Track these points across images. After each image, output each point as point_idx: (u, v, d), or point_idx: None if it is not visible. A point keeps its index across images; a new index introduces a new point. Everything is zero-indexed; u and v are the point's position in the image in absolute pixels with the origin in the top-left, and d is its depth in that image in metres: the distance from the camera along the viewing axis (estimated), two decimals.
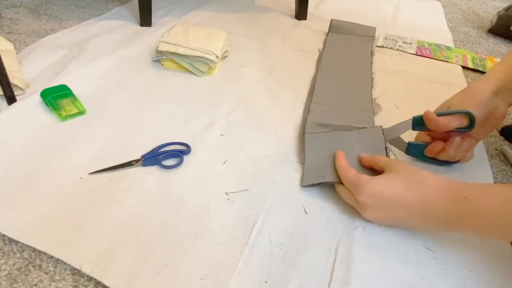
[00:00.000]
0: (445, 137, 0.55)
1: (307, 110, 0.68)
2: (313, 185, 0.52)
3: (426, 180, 0.44)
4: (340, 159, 0.51)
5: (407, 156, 0.59)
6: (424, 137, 0.58)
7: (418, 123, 0.53)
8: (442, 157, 0.55)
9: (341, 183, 0.50)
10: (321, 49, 0.91)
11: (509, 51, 0.56)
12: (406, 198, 0.43)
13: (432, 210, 0.42)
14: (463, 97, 0.53)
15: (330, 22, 1.00)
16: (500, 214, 0.38)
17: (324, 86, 0.75)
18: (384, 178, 0.46)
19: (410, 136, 0.58)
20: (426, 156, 0.57)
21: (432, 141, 0.56)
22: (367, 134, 0.59)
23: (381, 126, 0.59)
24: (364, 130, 0.60)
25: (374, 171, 0.51)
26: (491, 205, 0.39)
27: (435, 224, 0.43)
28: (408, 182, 0.44)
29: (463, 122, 0.51)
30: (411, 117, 0.55)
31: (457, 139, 0.53)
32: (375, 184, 0.45)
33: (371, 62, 0.86)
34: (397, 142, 0.57)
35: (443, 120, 0.50)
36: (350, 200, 0.48)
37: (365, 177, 0.46)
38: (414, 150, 0.57)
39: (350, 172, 0.48)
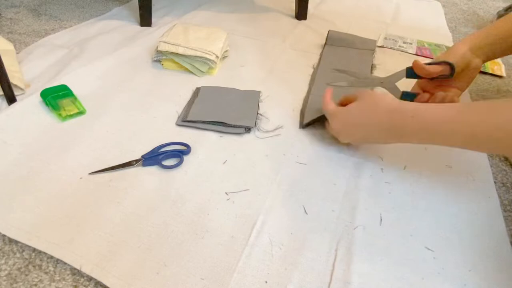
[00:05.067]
0: (434, 91, 0.63)
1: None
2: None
3: (379, 103, 0.52)
4: (326, 94, 0.60)
5: None
6: (418, 89, 0.67)
7: (411, 72, 0.63)
8: None
9: None
10: (315, 65, 0.84)
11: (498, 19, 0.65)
12: (363, 121, 0.53)
13: (384, 127, 0.51)
14: (445, 53, 0.62)
15: (327, 34, 0.92)
16: (444, 129, 0.45)
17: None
18: (347, 108, 0.55)
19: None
20: None
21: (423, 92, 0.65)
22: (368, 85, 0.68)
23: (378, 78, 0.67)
24: (367, 83, 0.69)
25: None
26: (435, 122, 0.46)
27: (388, 137, 0.52)
28: (364, 107, 0.53)
29: (446, 69, 0.60)
30: None
31: (440, 93, 0.61)
32: (341, 113, 0.56)
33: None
34: (393, 90, 0.65)
35: (429, 67, 0.60)
36: (332, 130, 0.58)
37: (337, 109, 0.56)
38: (406, 98, 0.64)
39: (329, 105, 0.58)
